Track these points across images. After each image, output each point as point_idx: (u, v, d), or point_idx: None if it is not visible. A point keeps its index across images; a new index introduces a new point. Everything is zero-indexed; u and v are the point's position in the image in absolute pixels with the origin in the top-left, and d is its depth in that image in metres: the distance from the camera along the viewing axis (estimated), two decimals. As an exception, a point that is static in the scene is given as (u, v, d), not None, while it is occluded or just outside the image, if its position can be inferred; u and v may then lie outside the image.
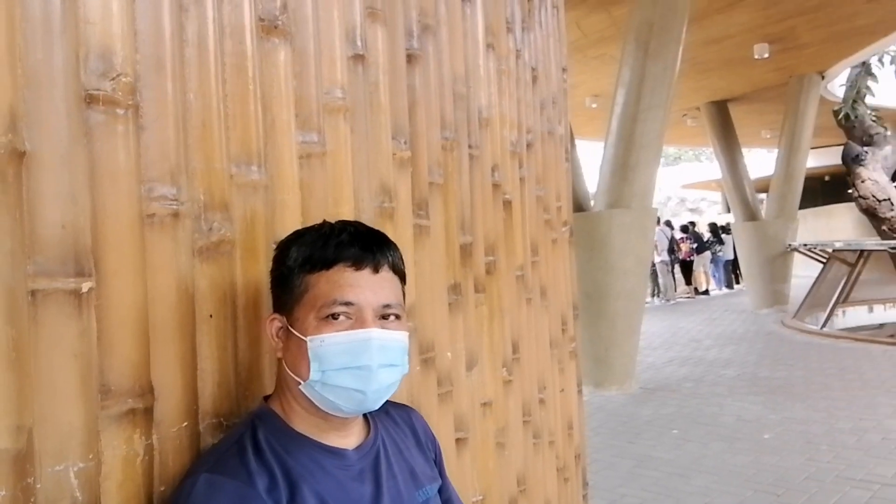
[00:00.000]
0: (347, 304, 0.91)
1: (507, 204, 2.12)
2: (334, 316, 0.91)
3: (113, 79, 0.88)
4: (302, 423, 0.96)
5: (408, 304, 1.49)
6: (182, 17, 0.98)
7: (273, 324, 0.97)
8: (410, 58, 1.57)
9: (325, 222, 1.00)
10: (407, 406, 1.19)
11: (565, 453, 2.65)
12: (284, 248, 0.98)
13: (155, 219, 0.93)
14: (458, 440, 1.73)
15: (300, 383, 0.93)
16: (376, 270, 0.94)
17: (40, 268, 0.79)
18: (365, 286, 0.93)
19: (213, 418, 1.02)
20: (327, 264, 0.93)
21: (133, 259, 0.90)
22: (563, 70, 2.85)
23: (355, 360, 0.91)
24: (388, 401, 1.11)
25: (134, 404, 0.89)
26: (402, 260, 1.02)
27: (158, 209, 0.94)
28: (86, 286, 0.83)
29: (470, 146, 1.86)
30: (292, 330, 0.94)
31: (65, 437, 0.81)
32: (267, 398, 1.01)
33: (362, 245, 0.95)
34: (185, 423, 0.97)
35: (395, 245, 1.01)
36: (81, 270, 0.82)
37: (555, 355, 2.58)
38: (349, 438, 0.99)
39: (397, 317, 0.96)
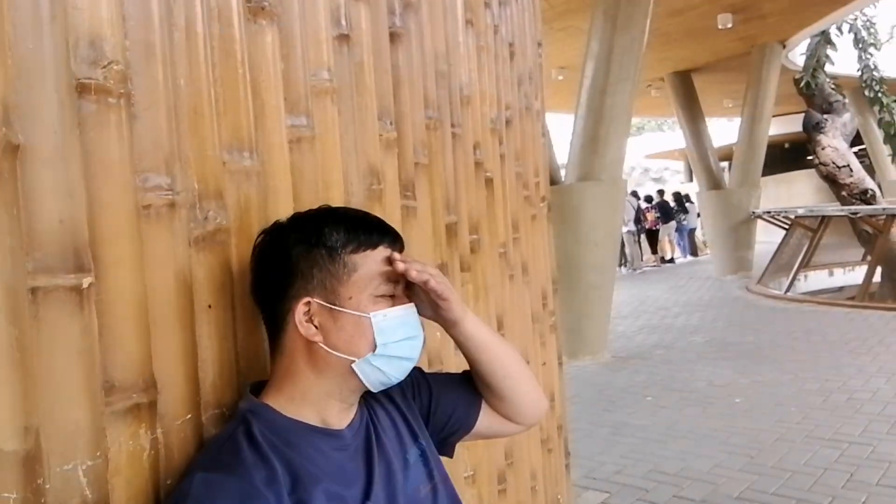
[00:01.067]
0: (396, 282, 0.98)
1: (489, 182, 2.12)
2: (386, 295, 0.97)
3: (104, 66, 0.85)
4: (302, 410, 0.96)
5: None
6: (170, 0, 0.95)
7: (300, 309, 0.94)
8: (393, 36, 1.55)
9: (328, 206, 1.04)
10: None
11: (548, 425, 2.69)
12: (316, 231, 0.95)
13: (151, 210, 0.91)
14: (448, 418, 1.74)
15: (353, 361, 0.94)
16: (402, 251, 1.01)
17: (40, 264, 0.77)
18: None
19: (216, 409, 1.01)
20: (373, 245, 0.96)
21: (131, 252, 0.88)
22: (539, 44, 2.84)
23: (410, 331, 0.98)
24: None
25: (138, 399, 0.88)
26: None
27: (154, 200, 0.91)
28: (86, 281, 0.81)
29: (452, 125, 1.85)
30: (345, 309, 0.94)
31: (71, 435, 0.79)
32: (254, 392, 0.99)
33: (393, 234, 1.01)
34: (189, 416, 0.96)
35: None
36: (81, 265, 0.80)
37: (536, 329, 2.60)
38: (347, 419, 1.00)
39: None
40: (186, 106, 0.98)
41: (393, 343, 0.95)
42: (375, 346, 0.94)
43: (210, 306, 1.00)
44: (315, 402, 0.96)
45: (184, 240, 0.96)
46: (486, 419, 1.19)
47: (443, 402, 1.15)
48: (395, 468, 1.01)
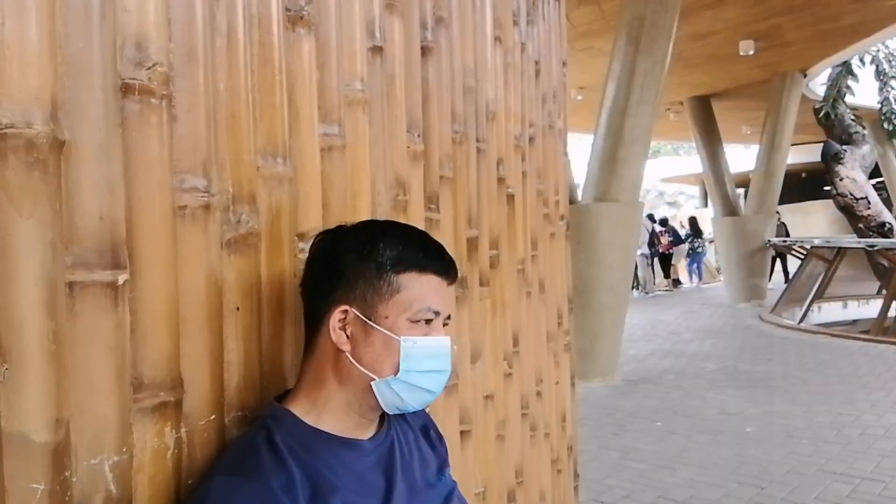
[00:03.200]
0: (437, 312, 0.96)
1: (511, 198, 2.12)
2: (422, 321, 0.95)
3: (148, 68, 0.86)
4: (330, 421, 0.96)
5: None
6: (213, 6, 0.97)
7: (341, 315, 0.95)
8: (425, 50, 1.56)
9: (392, 221, 1.05)
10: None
11: (559, 445, 2.68)
12: (371, 243, 0.96)
13: (187, 211, 0.92)
14: (462, 433, 1.74)
15: (373, 379, 0.94)
16: (450, 284, 1.00)
17: (78, 259, 0.78)
18: (446, 296, 0.99)
19: (239, 411, 1.01)
20: (422, 269, 0.96)
21: (165, 251, 0.89)
22: (563, 64, 2.86)
23: (437, 364, 0.96)
24: None
25: (165, 397, 0.88)
26: None
27: (190, 201, 0.93)
28: (122, 278, 0.82)
29: (477, 140, 1.86)
30: (378, 327, 0.94)
31: (100, 430, 0.80)
32: (278, 399, 1.00)
33: (447, 257, 1.00)
34: (213, 417, 0.97)
35: None
36: (118, 262, 0.82)
37: (551, 348, 2.59)
38: (368, 431, 1.00)
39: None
40: (225, 110, 0.99)
41: (417, 372, 0.94)
42: (398, 370, 0.94)
43: (238, 309, 1.01)
44: (335, 412, 0.96)
45: (216, 242, 0.97)
46: None
47: None
48: (419, 488, 1.01)
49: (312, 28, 1.17)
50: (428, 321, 0.95)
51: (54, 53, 0.75)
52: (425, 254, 0.97)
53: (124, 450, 0.83)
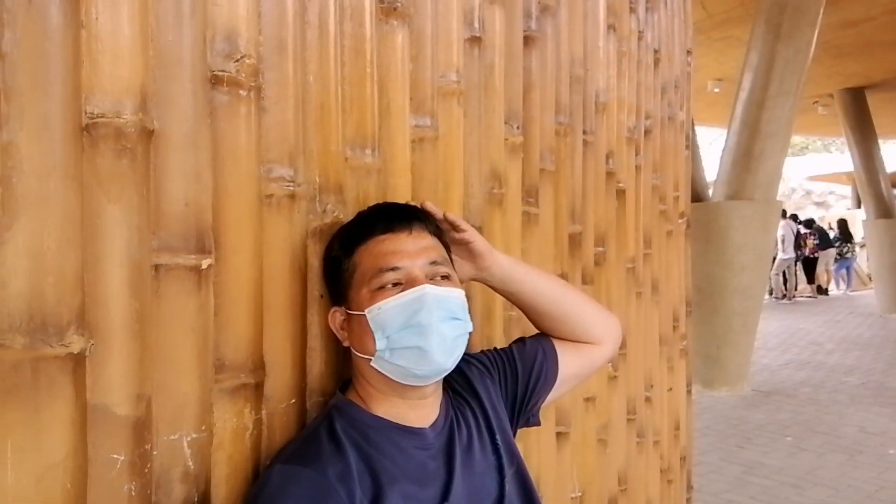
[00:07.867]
0: (394, 269, 0.93)
1: (621, 193, 2.04)
2: (386, 285, 0.93)
3: (237, 60, 0.89)
4: (381, 407, 0.96)
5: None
6: (305, -1, 0.99)
7: (335, 317, 0.99)
8: (528, 40, 1.53)
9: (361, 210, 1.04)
10: (459, 366, 1.06)
11: (670, 454, 2.56)
12: (329, 244, 1.02)
13: (273, 199, 0.95)
14: (558, 434, 1.69)
15: (370, 360, 0.93)
16: (410, 232, 0.96)
17: (164, 243, 0.82)
18: (404, 249, 0.95)
19: (319, 397, 1.03)
20: (362, 239, 0.96)
21: (251, 238, 0.92)
22: (688, 52, 2.71)
23: (414, 317, 0.91)
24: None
25: (246, 379, 0.91)
26: (439, 226, 1.03)
27: (276, 190, 0.95)
28: (206, 263, 0.85)
29: (584, 132, 1.80)
30: (352, 312, 0.95)
31: (180, 407, 0.84)
32: (343, 390, 1.01)
33: (388, 215, 0.98)
34: (293, 400, 0.99)
35: (427, 212, 1.02)
36: (202, 247, 0.85)
37: (664, 353, 2.48)
38: (428, 417, 0.99)
39: (447, 276, 0.96)
40: (314, 101, 1.01)
41: (395, 334, 0.91)
42: (378, 341, 0.92)
43: (322, 296, 1.02)
44: (383, 402, 0.96)
45: (302, 230, 1.00)
46: (567, 355, 1.18)
47: (525, 363, 1.15)
48: (478, 472, 0.99)
49: (406, 19, 1.17)
50: (396, 284, 0.92)
51: (146, 46, 0.79)
52: (363, 223, 0.98)
53: (203, 428, 0.86)
